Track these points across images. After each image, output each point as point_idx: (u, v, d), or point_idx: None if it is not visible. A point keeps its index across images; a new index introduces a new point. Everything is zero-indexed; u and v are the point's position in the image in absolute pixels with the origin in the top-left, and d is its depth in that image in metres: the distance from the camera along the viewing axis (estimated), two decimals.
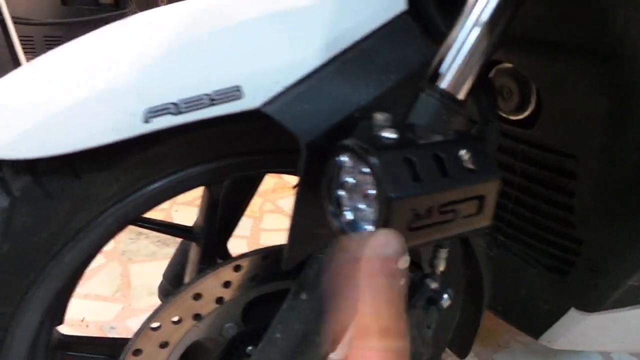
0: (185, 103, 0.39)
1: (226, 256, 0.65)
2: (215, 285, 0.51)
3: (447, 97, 0.43)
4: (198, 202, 0.58)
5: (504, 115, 0.73)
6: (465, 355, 0.80)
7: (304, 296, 0.48)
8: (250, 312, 0.54)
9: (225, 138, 0.46)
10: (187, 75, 0.40)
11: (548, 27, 0.58)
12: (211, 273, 0.49)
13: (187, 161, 0.46)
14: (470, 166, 0.35)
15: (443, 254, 0.56)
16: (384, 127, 0.35)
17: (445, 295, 0.58)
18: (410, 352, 0.57)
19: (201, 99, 0.40)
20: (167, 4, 0.50)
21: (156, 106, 0.39)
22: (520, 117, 0.72)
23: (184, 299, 0.50)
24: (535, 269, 0.77)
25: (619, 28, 0.48)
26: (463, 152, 0.35)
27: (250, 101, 0.41)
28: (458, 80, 0.44)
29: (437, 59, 0.44)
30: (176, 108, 0.39)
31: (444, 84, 0.44)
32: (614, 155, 0.60)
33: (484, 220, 0.36)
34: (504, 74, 0.71)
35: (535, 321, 0.78)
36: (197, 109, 0.40)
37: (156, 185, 0.45)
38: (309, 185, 0.42)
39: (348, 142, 0.34)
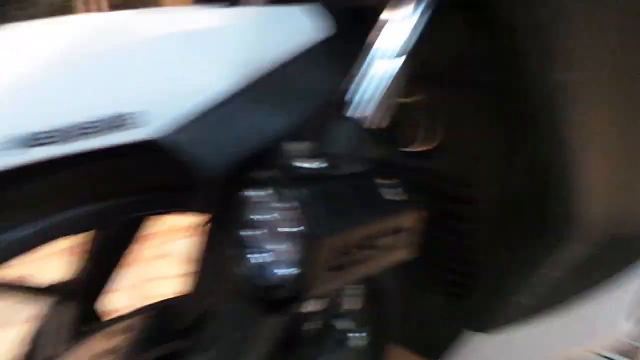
0: (71, 130, 0.32)
1: (101, 315, 0.55)
2: (99, 351, 0.42)
3: (361, 125, 0.42)
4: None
5: (405, 147, 0.75)
6: None
7: (207, 356, 0.41)
8: None
9: (117, 173, 0.39)
10: (74, 97, 0.33)
11: (450, 64, 0.61)
12: (94, 337, 0.41)
13: (69, 200, 0.38)
14: (391, 197, 0.33)
15: (358, 290, 0.54)
16: (300, 157, 0.33)
17: (358, 334, 0.56)
18: None
19: (88, 127, 0.33)
20: None
21: (40, 132, 0.31)
22: (422, 149, 0.75)
23: None
24: (436, 295, 0.79)
25: (518, 65, 0.52)
26: (383, 183, 0.33)
27: (147, 130, 0.35)
28: (370, 109, 0.43)
29: (350, 86, 0.44)
30: (62, 135, 0.32)
31: (358, 112, 0.43)
32: (507, 182, 0.65)
33: (406, 253, 0.35)
34: (411, 106, 0.74)
35: (434, 346, 0.80)
36: (85, 137, 0.33)
37: (24, 231, 0.37)
38: (219, 226, 0.37)
39: (260, 174, 0.31)
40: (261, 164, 0.36)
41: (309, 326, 0.48)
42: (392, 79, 0.44)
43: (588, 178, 0.53)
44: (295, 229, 0.29)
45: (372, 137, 0.43)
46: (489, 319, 0.72)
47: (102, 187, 0.40)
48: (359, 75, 0.44)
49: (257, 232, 0.32)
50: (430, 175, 0.73)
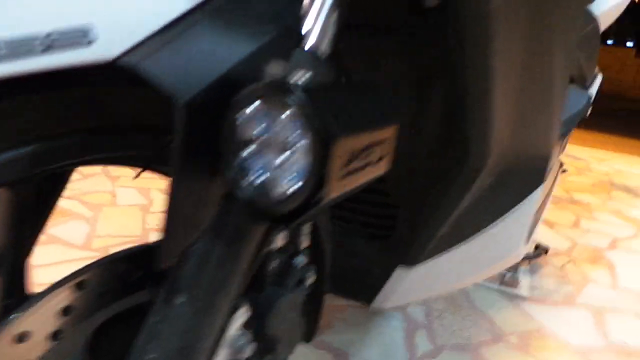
0: (6, 46, 0.27)
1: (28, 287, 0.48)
2: (48, 316, 0.37)
3: (319, 53, 0.42)
4: None
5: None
6: (311, 339, 0.81)
7: (180, 299, 0.39)
8: (99, 343, 0.42)
9: (64, 106, 0.34)
10: (13, 6, 0.28)
11: (367, 8, 0.63)
12: (43, 299, 0.36)
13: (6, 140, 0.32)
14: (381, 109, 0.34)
15: (306, 228, 0.55)
16: (287, 74, 0.32)
17: (310, 273, 0.57)
18: (292, 337, 0.54)
19: (33, 42, 0.28)
20: None
21: None
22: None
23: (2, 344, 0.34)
24: (362, 239, 0.84)
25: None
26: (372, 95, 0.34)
27: (104, 49, 0.31)
28: (324, 36, 0.43)
29: (302, 14, 0.43)
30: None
31: (312, 39, 0.42)
32: (418, 125, 0.70)
33: (385, 166, 0.36)
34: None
35: (367, 288, 0.85)
36: (26, 56, 0.28)
37: None
38: (189, 157, 0.34)
39: (257, 87, 0.29)
40: (234, 90, 0.34)
41: (272, 265, 0.47)
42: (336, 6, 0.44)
43: (495, 115, 0.60)
44: (305, 135, 0.28)
45: (331, 62, 0.43)
46: (416, 253, 0.78)
47: (54, 122, 0.34)
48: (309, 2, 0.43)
49: (257, 149, 0.30)
50: None
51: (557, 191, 2.45)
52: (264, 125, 0.31)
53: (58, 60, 0.29)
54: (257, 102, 0.30)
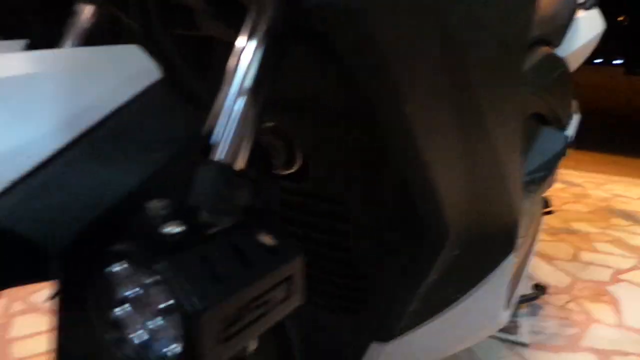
0: None
1: None
2: None
3: (226, 169, 0.40)
4: None
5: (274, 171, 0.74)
6: None
7: None
8: None
9: None
10: None
11: (301, 91, 0.61)
12: None
13: None
14: (270, 245, 0.31)
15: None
16: (162, 219, 0.29)
17: None
18: None
19: None
20: None
21: None
22: (290, 171, 0.75)
23: None
24: (333, 313, 0.80)
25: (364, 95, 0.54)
26: (260, 234, 0.31)
27: None
28: (233, 150, 0.41)
29: (206, 129, 0.41)
30: None
31: (219, 155, 0.40)
32: (376, 197, 0.67)
33: (298, 300, 0.33)
34: (268, 132, 0.73)
35: None
36: None
37: None
38: (72, 304, 0.31)
39: (121, 247, 0.27)
40: (119, 229, 0.32)
41: None
42: (251, 111, 0.42)
43: (444, 192, 0.57)
44: (170, 305, 0.25)
45: (240, 178, 0.40)
46: (387, 329, 0.74)
47: None
48: (213, 114, 0.41)
49: (131, 310, 0.28)
50: (303, 196, 0.73)
51: (554, 222, 2.40)
52: (131, 284, 0.28)
53: None
54: (123, 263, 0.27)
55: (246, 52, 0.43)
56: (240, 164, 0.41)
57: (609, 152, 4.48)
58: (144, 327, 0.28)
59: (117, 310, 0.28)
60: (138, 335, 0.28)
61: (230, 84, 0.42)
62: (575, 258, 2.02)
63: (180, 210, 0.32)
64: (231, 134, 0.41)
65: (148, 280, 0.26)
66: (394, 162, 0.55)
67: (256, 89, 0.43)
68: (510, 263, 0.72)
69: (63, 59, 0.36)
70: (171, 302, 0.25)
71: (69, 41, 0.55)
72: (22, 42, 0.49)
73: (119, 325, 0.28)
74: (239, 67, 0.42)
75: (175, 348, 0.26)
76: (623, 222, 2.47)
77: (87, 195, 0.32)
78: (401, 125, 0.46)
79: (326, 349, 0.79)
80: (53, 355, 0.31)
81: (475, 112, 0.51)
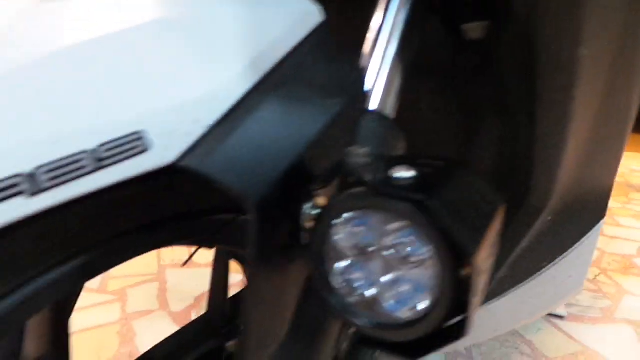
0: (50, 172, 0.22)
1: None
2: None
3: (386, 119, 0.37)
4: None
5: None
6: None
7: None
8: None
9: (111, 209, 0.29)
10: (45, 121, 0.22)
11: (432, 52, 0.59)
12: None
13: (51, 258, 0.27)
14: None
15: None
16: (363, 165, 0.26)
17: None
18: None
19: (79, 161, 0.23)
20: None
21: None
22: None
23: None
24: None
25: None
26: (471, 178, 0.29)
27: (161, 154, 0.26)
28: (387, 100, 0.39)
29: (365, 78, 0.38)
30: (32, 183, 0.21)
31: (376, 105, 0.38)
32: (473, 161, 0.65)
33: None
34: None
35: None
36: (72, 178, 0.23)
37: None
38: (265, 255, 0.29)
39: (357, 192, 0.24)
40: (309, 179, 0.29)
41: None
42: (398, 66, 0.40)
43: (565, 156, 0.55)
44: (428, 252, 0.23)
45: (397, 128, 0.38)
46: None
47: (103, 228, 0.29)
48: (370, 65, 0.39)
49: (361, 262, 0.25)
50: None
51: None
52: (368, 236, 0.25)
53: (111, 176, 0.24)
54: (357, 210, 0.25)
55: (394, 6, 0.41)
56: (392, 114, 0.39)
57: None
58: (374, 283, 0.25)
59: (343, 264, 0.26)
60: (366, 295, 0.26)
61: (380, 37, 0.39)
62: (601, 232, 2.02)
63: (383, 158, 0.29)
64: (383, 86, 0.38)
65: (391, 226, 0.24)
66: (514, 112, 0.52)
67: (404, 44, 0.40)
68: (598, 231, 0.71)
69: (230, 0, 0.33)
70: (423, 248, 0.23)
71: None
72: None
73: (345, 283, 0.26)
74: (386, 20, 0.40)
75: (419, 305, 0.24)
76: None
77: (280, 142, 0.29)
78: (572, 67, 0.43)
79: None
80: (244, 312, 0.29)
81: (626, 65, 0.48)
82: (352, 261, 0.26)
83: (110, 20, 0.28)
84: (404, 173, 0.25)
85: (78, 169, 0.22)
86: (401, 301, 0.25)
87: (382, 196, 0.23)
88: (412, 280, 0.24)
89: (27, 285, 0.27)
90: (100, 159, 0.23)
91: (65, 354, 0.37)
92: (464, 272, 0.23)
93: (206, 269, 1.61)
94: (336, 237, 0.26)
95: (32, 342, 0.37)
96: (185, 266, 1.62)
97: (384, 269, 0.25)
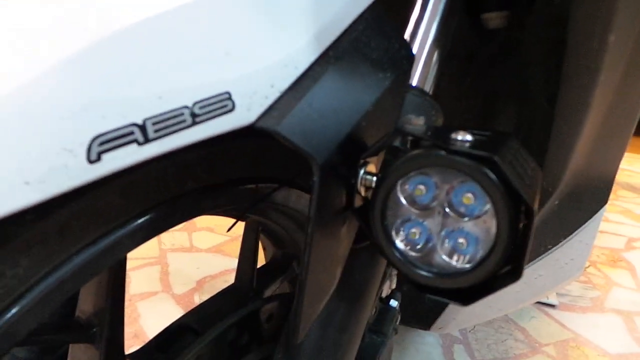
0: (157, 123, 0.24)
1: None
2: None
3: (428, 95, 0.40)
4: None
5: None
6: None
7: None
8: None
9: (180, 168, 0.31)
10: (151, 79, 0.24)
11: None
12: None
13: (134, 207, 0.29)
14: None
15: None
16: (437, 129, 0.29)
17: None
18: None
19: (179, 115, 0.25)
20: None
21: (109, 132, 0.22)
22: None
23: None
24: None
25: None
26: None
27: (244, 114, 0.28)
28: (427, 76, 0.41)
29: (410, 57, 0.41)
30: (143, 133, 0.24)
31: (417, 81, 0.40)
32: None
33: None
34: None
35: (425, 315, 0.82)
36: (173, 131, 0.25)
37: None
38: (324, 217, 0.31)
39: (419, 152, 0.26)
40: (361, 146, 0.32)
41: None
42: (440, 38, 0.43)
43: (579, 141, 0.58)
44: (491, 205, 0.25)
45: (437, 104, 0.41)
46: None
47: (174, 184, 0.31)
48: (415, 40, 0.41)
49: (422, 216, 0.28)
50: None
51: None
52: (430, 193, 0.28)
53: (203, 131, 0.26)
54: (423, 169, 0.27)
55: None
56: (431, 90, 0.41)
57: None
58: (433, 236, 0.28)
59: (404, 220, 0.28)
60: (426, 247, 0.28)
61: (422, 20, 0.42)
62: None
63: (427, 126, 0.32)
64: (425, 61, 0.40)
65: (455, 183, 0.26)
66: (532, 96, 0.55)
67: (442, 29, 0.43)
68: (601, 216, 0.74)
69: None
70: (489, 202, 0.25)
71: None
72: None
73: (408, 239, 0.28)
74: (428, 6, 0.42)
75: (476, 254, 0.26)
76: (630, 194, 2.55)
77: (341, 110, 0.31)
78: (601, 53, 0.46)
79: (411, 299, 0.81)
80: (301, 274, 0.31)
81: None
82: (412, 217, 0.28)
83: None
84: (463, 136, 0.27)
85: (178, 123, 0.25)
86: (457, 251, 0.27)
87: (451, 154, 0.26)
88: (469, 232, 0.27)
89: (108, 236, 0.30)
90: (196, 114, 0.25)
91: (121, 312, 0.39)
92: (523, 222, 0.25)
93: (207, 254, 1.63)
94: (398, 195, 0.28)
95: (89, 297, 0.39)
96: (186, 251, 1.64)
97: (441, 223, 0.28)
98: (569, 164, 0.59)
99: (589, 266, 1.74)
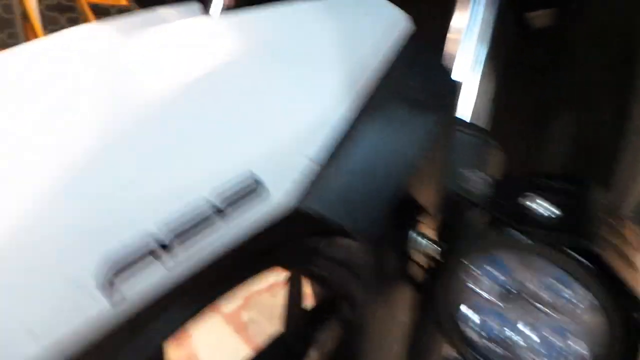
0: (178, 233, 0.21)
1: None
2: None
3: (482, 132, 0.35)
4: None
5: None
6: None
7: None
8: None
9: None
10: (164, 175, 0.21)
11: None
12: None
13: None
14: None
15: None
16: (501, 190, 0.25)
17: None
18: None
19: (204, 213, 0.22)
20: None
21: (121, 252, 0.20)
22: None
23: None
24: None
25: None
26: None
27: (280, 197, 0.24)
28: (480, 110, 0.37)
29: (457, 87, 0.36)
30: (161, 248, 0.21)
31: (469, 116, 0.36)
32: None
33: None
34: None
35: None
36: (194, 235, 0.22)
37: None
38: (376, 292, 0.28)
39: (514, 234, 0.22)
40: (413, 203, 0.28)
41: None
42: (491, 69, 0.38)
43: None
44: (588, 300, 0.21)
45: (493, 141, 0.36)
46: None
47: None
48: (463, 79, 0.37)
49: (496, 305, 0.23)
50: None
51: None
52: (503, 278, 0.23)
53: (232, 229, 0.23)
54: (495, 251, 0.23)
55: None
56: (485, 125, 0.37)
57: None
58: (512, 328, 0.24)
59: (473, 310, 0.24)
60: (507, 338, 0.24)
61: (467, 37, 0.37)
62: None
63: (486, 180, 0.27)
64: (477, 94, 0.36)
65: (547, 278, 0.22)
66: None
67: (495, 43, 0.38)
68: None
69: (311, 13, 0.31)
70: (593, 299, 0.21)
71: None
72: (195, 5, 0.44)
73: (477, 327, 0.24)
74: (473, 16, 0.37)
75: (573, 354, 0.22)
76: None
77: (386, 170, 0.27)
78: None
79: None
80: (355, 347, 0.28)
81: None
82: (484, 304, 0.24)
83: (202, 53, 0.27)
84: (538, 203, 0.23)
85: (204, 220, 0.21)
86: (548, 350, 0.23)
87: (537, 240, 0.21)
88: (562, 328, 0.22)
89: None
90: (220, 209, 0.22)
91: None
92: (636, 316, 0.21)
93: None
94: (466, 279, 0.24)
95: None
96: None
97: (524, 313, 0.23)
98: (638, 177, 0.53)
99: None
